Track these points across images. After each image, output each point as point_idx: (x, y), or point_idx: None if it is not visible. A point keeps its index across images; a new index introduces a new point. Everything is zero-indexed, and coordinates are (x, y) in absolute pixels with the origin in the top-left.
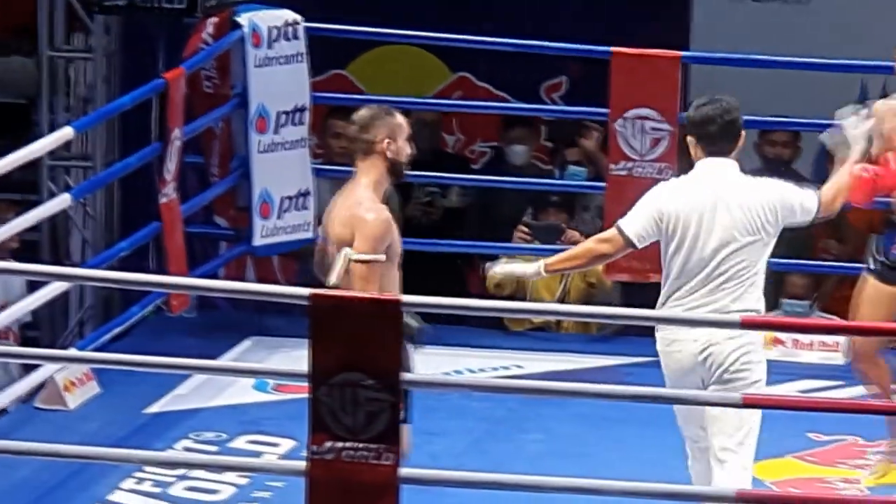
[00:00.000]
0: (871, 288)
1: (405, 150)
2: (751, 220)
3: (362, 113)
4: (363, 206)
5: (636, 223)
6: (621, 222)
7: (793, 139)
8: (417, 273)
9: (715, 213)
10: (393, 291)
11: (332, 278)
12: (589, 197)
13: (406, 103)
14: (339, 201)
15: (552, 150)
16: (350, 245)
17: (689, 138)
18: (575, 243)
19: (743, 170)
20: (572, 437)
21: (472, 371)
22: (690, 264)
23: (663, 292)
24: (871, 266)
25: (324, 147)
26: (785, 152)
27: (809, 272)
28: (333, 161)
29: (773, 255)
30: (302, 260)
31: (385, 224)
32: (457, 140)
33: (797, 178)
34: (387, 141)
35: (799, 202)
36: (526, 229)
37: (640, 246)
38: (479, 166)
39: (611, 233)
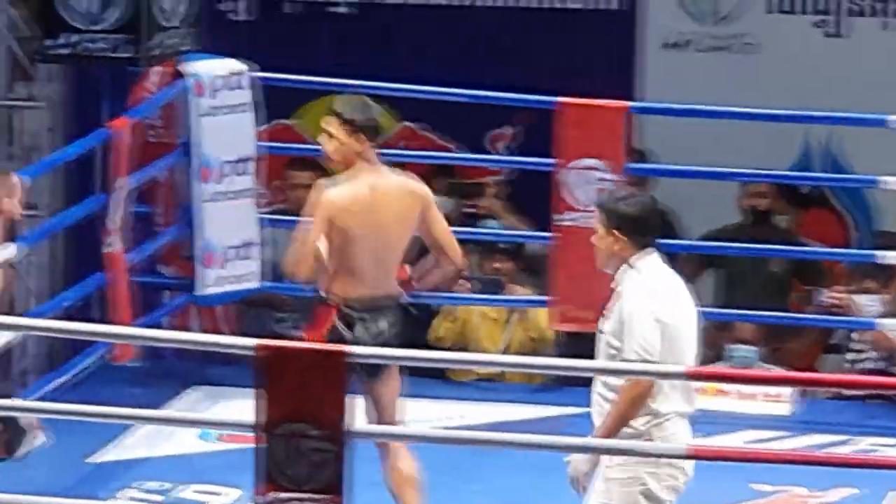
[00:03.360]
0: None
1: None
2: None
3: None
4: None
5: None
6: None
7: (773, 190)
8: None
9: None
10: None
11: None
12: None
13: None
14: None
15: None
16: None
17: (619, 233)
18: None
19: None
20: (515, 488)
21: (416, 421)
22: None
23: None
24: None
25: (284, 197)
26: (762, 202)
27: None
28: (294, 212)
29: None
30: (248, 309)
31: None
32: None
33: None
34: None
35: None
36: (466, 283)
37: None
38: None
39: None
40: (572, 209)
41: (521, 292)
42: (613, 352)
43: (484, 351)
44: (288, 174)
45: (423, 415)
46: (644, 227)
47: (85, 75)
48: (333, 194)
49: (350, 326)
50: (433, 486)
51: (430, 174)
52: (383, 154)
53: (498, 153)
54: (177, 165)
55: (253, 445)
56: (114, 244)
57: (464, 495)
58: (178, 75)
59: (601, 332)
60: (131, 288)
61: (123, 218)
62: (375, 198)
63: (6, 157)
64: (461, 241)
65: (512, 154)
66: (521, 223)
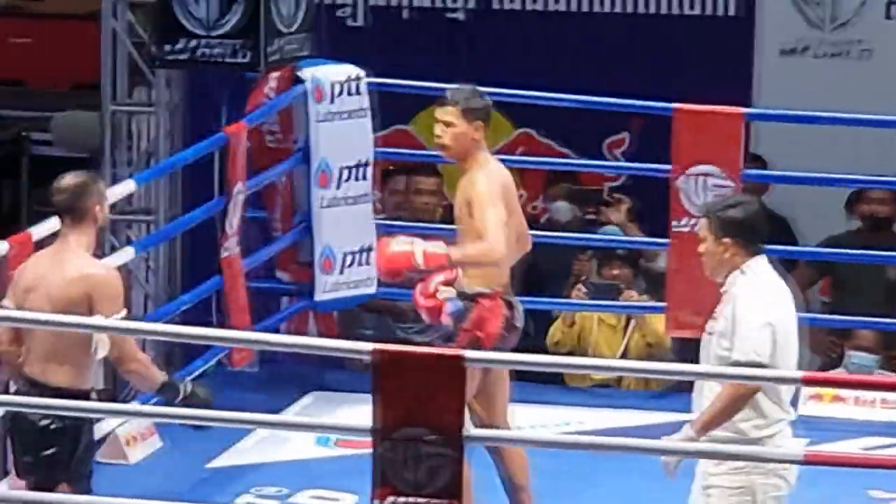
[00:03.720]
0: None
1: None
2: None
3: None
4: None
5: (765, 345)
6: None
7: (891, 196)
8: None
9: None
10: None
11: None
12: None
13: None
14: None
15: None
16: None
17: (728, 239)
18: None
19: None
20: (634, 493)
21: (532, 426)
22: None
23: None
24: None
25: (407, 204)
26: (882, 210)
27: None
28: (418, 218)
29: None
30: (367, 315)
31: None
32: (520, 196)
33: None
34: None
35: None
36: (582, 287)
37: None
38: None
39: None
40: (689, 215)
41: (638, 299)
42: (724, 353)
43: (601, 357)
44: (412, 180)
45: (541, 420)
46: (753, 233)
47: (203, 80)
48: (494, 177)
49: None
50: (552, 491)
51: (550, 181)
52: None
53: (615, 159)
54: (294, 170)
55: (370, 450)
56: (231, 249)
57: (583, 501)
58: (296, 80)
59: (709, 333)
60: (248, 293)
61: (240, 223)
62: (512, 182)
63: (125, 162)
64: (579, 248)
65: (626, 161)
66: (641, 232)
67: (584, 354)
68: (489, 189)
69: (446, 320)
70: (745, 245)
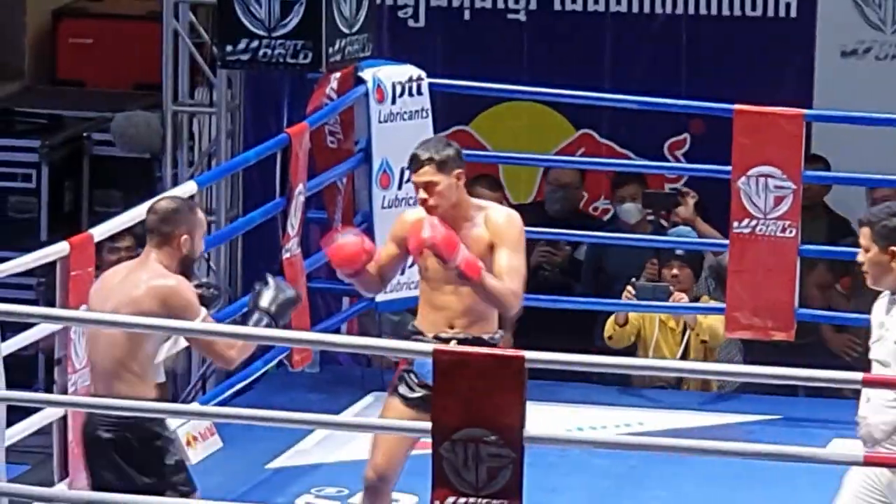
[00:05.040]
0: None
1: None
2: None
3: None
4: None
5: None
6: None
7: None
8: (543, 327)
9: None
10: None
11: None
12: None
13: (527, 160)
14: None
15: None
16: None
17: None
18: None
19: None
20: (694, 495)
21: (593, 427)
22: None
23: None
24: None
25: None
26: None
27: None
28: None
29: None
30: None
31: None
32: (581, 196)
33: None
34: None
35: None
36: (631, 289)
37: None
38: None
39: None
40: (749, 216)
41: (686, 300)
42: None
43: (661, 358)
44: (473, 191)
45: (601, 421)
46: None
47: (264, 81)
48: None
49: None
50: (612, 493)
51: (617, 182)
52: (558, 161)
53: (676, 161)
54: (355, 171)
55: (430, 451)
56: (292, 250)
57: (644, 502)
58: (357, 81)
59: (877, 360)
60: (309, 293)
61: (301, 224)
62: None
63: (186, 163)
64: (642, 249)
65: (686, 162)
66: (713, 232)
67: (644, 355)
68: (522, 236)
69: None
70: None
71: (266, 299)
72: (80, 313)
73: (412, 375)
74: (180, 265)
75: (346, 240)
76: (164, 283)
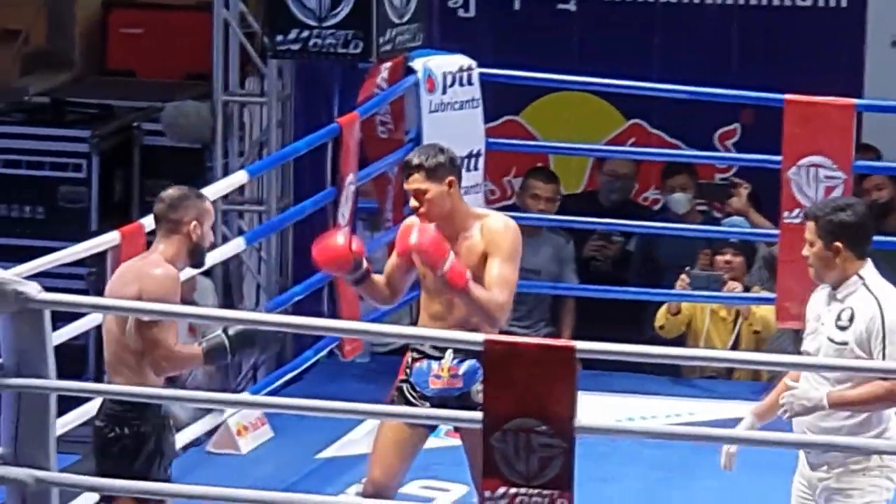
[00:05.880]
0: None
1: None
2: None
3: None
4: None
5: None
6: None
7: None
8: (594, 317)
9: None
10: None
11: None
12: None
13: (577, 150)
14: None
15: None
16: None
17: (841, 244)
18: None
19: None
20: (746, 485)
21: (643, 417)
22: None
23: None
24: None
25: (521, 205)
26: None
27: None
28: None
29: None
30: None
31: None
32: (633, 187)
33: None
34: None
35: None
36: (685, 277)
37: None
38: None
39: None
40: (800, 206)
41: (740, 289)
42: (863, 358)
43: (711, 348)
44: (528, 183)
45: (651, 411)
46: (865, 237)
47: (314, 71)
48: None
49: None
50: (662, 483)
51: (667, 172)
52: (609, 151)
53: (726, 151)
54: None
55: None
56: None
57: (695, 493)
58: (408, 71)
59: (832, 340)
60: None
61: (352, 213)
62: None
63: (237, 153)
64: (692, 239)
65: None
66: (766, 222)
67: (694, 345)
68: (518, 246)
69: (459, 383)
70: (857, 250)
71: (219, 336)
72: (130, 303)
73: (410, 387)
74: (190, 254)
75: (332, 241)
76: (149, 271)
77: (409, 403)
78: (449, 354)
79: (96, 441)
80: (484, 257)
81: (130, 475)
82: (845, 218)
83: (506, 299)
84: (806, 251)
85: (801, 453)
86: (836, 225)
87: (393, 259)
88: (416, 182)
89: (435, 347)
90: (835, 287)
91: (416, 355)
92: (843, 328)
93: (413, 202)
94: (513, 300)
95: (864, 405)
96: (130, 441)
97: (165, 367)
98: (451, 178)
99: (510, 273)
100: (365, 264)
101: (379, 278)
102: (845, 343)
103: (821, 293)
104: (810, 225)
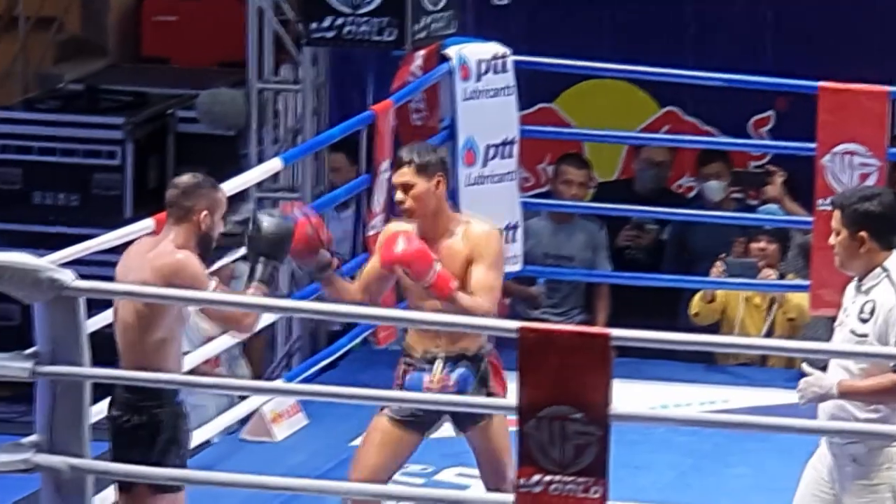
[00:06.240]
0: None
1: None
2: None
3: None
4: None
5: None
6: None
7: None
8: (628, 305)
9: None
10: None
11: None
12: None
13: (612, 137)
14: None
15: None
16: None
17: (865, 234)
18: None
19: None
20: (778, 472)
21: (677, 405)
22: None
23: None
24: None
25: (554, 192)
26: None
27: None
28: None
29: None
30: (511, 294)
31: None
32: (667, 175)
33: None
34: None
35: None
36: (721, 264)
37: None
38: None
39: None
40: (834, 194)
41: (775, 276)
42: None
43: (745, 335)
44: (561, 169)
45: (686, 398)
46: (892, 228)
47: (349, 58)
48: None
49: None
50: (696, 470)
51: (702, 160)
52: (643, 139)
53: (760, 138)
54: None
55: (515, 428)
56: (377, 227)
57: (728, 480)
58: (442, 59)
59: (854, 332)
60: None
61: (386, 201)
62: None
63: (271, 140)
64: (726, 227)
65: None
66: (801, 211)
67: (729, 332)
68: (501, 252)
69: (451, 391)
70: (883, 240)
71: (263, 245)
72: (165, 290)
73: None
74: (199, 244)
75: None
76: (167, 261)
77: (398, 409)
78: (438, 364)
79: (112, 430)
80: (467, 262)
81: (146, 464)
82: (871, 208)
83: (490, 305)
84: (832, 240)
85: (823, 443)
86: (861, 214)
87: (373, 264)
88: (404, 176)
89: (424, 359)
90: (860, 278)
91: (406, 367)
92: (864, 321)
93: (399, 195)
94: (546, 287)
95: (873, 396)
96: (146, 429)
97: (248, 321)
98: (439, 177)
99: (494, 279)
100: (331, 257)
101: (349, 285)
102: (865, 335)
103: (851, 284)
104: (836, 214)
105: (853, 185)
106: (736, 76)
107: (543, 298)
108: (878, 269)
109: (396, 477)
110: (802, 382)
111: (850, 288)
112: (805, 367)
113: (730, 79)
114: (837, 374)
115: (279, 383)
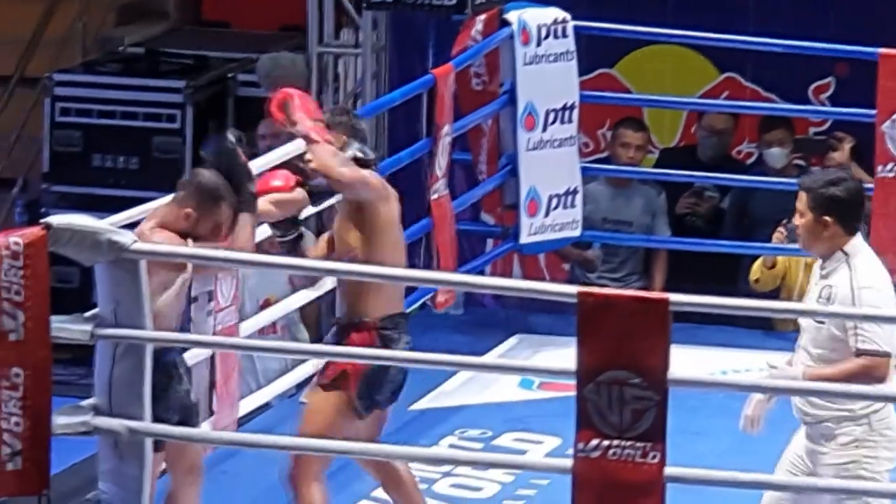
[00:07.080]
0: None
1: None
2: None
3: None
4: None
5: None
6: (877, 347)
7: None
8: (688, 271)
9: None
10: None
11: None
12: None
13: (672, 103)
14: None
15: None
16: None
17: (830, 218)
18: None
19: None
20: None
21: (736, 371)
22: None
23: None
24: None
25: (612, 156)
26: None
27: None
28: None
29: None
30: (569, 258)
31: None
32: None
33: None
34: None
35: None
36: (783, 230)
37: None
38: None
39: (873, 361)
40: (894, 160)
41: None
42: (839, 334)
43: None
44: (618, 132)
45: (745, 364)
46: (856, 213)
47: (409, 22)
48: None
49: None
50: (755, 437)
51: (764, 126)
52: (703, 104)
53: (820, 104)
54: (500, 113)
55: (573, 393)
56: (439, 191)
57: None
58: (503, 23)
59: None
60: (455, 235)
61: (448, 165)
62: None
63: (332, 104)
64: (787, 193)
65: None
66: (867, 176)
67: (788, 298)
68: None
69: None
70: (846, 225)
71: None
72: (219, 252)
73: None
74: (180, 233)
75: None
76: (136, 233)
77: None
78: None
79: None
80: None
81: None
82: (837, 192)
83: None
84: (796, 220)
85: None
86: (827, 198)
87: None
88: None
89: (336, 322)
90: (823, 261)
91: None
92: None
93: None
94: (603, 252)
95: (840, 382)
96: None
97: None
98: (344, 137)
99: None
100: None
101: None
102: (823, 322)
103: (815, 265)
104: (802, 195)
105: None
106: (796, 42)
107: (599, 262)
108: (840, 253)
109: (455, 441)
110: (769, 375)
111: (815, 269)
112: (769, 361)
113: (790, 45)
114: (803, 364)
115: (337, 347)
